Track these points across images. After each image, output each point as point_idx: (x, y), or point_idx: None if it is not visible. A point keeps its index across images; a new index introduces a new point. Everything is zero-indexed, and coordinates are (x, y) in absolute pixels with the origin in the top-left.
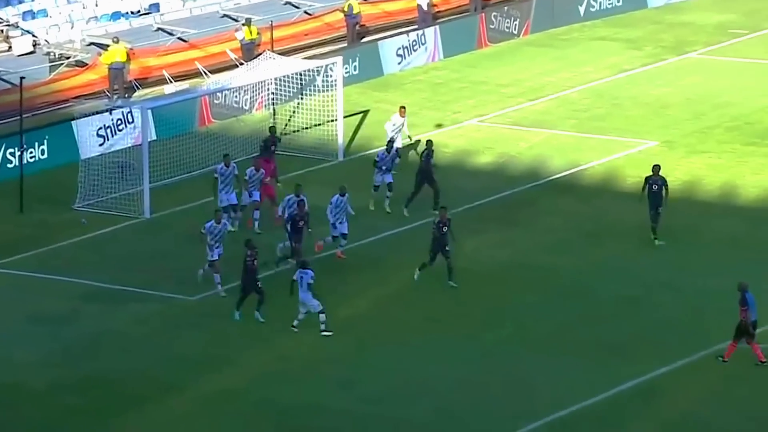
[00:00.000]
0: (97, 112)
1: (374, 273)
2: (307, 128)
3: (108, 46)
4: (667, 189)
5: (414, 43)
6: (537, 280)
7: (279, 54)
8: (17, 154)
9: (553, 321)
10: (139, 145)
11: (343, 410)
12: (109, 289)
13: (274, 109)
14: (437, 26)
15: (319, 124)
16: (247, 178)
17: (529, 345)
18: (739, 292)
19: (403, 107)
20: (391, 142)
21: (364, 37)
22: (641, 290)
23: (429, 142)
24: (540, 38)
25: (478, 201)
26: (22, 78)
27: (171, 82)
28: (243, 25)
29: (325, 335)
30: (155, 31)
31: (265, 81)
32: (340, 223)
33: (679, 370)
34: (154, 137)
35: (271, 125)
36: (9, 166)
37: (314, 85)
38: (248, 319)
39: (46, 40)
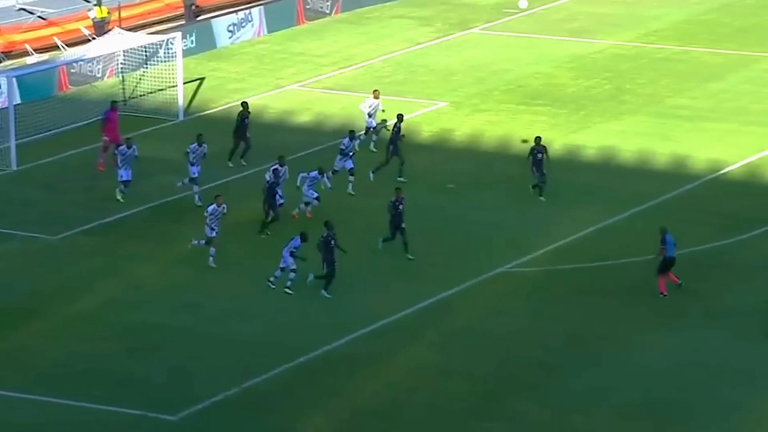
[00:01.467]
0: None
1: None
2: (151, 92)
3: None
4: (547, 155)
5: (242, 20)
6: (349, 218)
7: (127, 30)
8: None
9: (362, 251)
10: (6, 108)
11: (188, 329)
12: None
13: (123, 77)
14: (262, 6)
15: (162, 90)
16: (119, 155)
17: (340, 272)
18: (660, 233)
19: (377, 90)
20: (352, 131)
21: (199, 15)
22: (437, 224)
23: (399, 116)
24: (348, 16)
25: (300, 153)
26: None
27: (33, 54)
28: (95, 5)
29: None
30: (18, 10)
31: (114, 53)
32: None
33: (465, 291)
34: (19, 101)
35: (243, 101)
36: None
37: (157, 57)
38: (106, 255)
39: None
